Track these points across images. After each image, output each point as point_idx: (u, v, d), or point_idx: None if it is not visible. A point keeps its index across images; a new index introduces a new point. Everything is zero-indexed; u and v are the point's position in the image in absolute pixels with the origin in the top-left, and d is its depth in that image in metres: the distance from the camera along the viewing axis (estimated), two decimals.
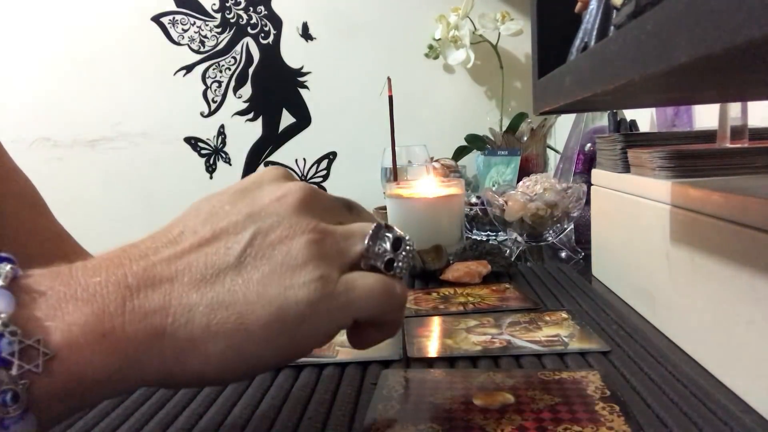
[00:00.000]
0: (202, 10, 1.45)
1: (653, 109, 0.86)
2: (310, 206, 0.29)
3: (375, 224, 0.31)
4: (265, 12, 1.45)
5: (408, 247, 0.31)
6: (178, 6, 1.44)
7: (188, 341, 0.24)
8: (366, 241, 0.30)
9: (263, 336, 0.25)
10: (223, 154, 1.50)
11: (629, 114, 0.81)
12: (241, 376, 0.28)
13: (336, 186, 1.53)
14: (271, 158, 1.51)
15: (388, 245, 0.30)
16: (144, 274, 0.24)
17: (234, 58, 1.47)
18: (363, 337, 0.32)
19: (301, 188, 0.29)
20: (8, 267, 0.23)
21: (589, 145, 0.85)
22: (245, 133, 1.50)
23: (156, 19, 1.44)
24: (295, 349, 0.27)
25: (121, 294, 0.23)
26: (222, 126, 1.49)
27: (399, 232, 0.31)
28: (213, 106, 1.49)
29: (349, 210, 0.33)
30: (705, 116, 0.76)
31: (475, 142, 1.28)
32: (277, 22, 1.46)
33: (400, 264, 0.31)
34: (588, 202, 0.67)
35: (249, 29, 1.46)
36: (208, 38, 1.46)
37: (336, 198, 0.33)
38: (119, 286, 0.24)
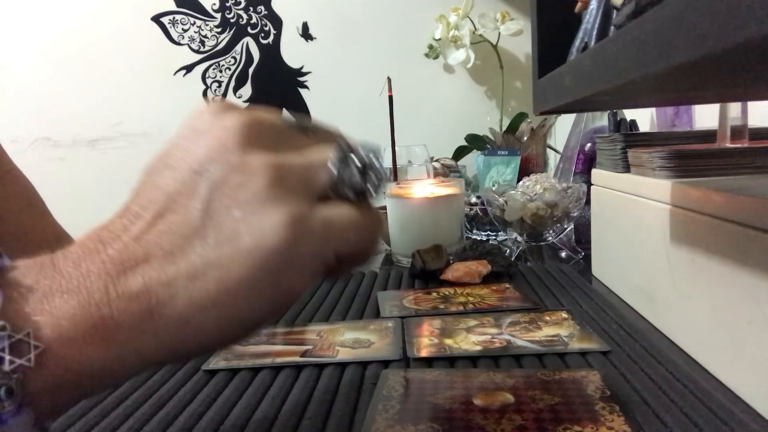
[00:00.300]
0: (202, 10, 1.45)
1: (653, 109, 0.86)
2: (259, 139, 0.26)
3: (336, 147, 0.28)
4: (265, 12, 1.45)
5: (377, 166, 0.28)
6: (178, 6, 1.44)
7: (178, 316, 0.24)
8: (332, 170, 0.27)
9: (249, 293, 0.24)
10: None
11: (629, 114, 0.81)
12: (243, 336, 0.27)
13: None
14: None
15: (356, 171, 0.27)
16: (119, 258, 0.24)
17: (234, 58, 1.47)
18: (339, 269, 0.29)
19: (242, 122, 0.26)
20: None
21: (589, 144, 0.85)
22: None
23: (156, 18, 1.44)
24: (285, 294, 0.26)
25: (103, 282, 0.23)
26: None
27: (362, 152, 0.28)
28: None
29: (304, 132, 0.30)
30: (705, 116, 0.76)
31: (475, 142, 1.28)
32: (277, 22, 1.46)
33: (371, 189, 0.28)
34: (588, 202, 0.67)
35: (249, 29, 1.46)
36: (208, 38, 1.46)
37: (286, 120, 0.29)
38: (100, 276, 0.23)
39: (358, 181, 0.28)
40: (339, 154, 0.27)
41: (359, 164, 0.28)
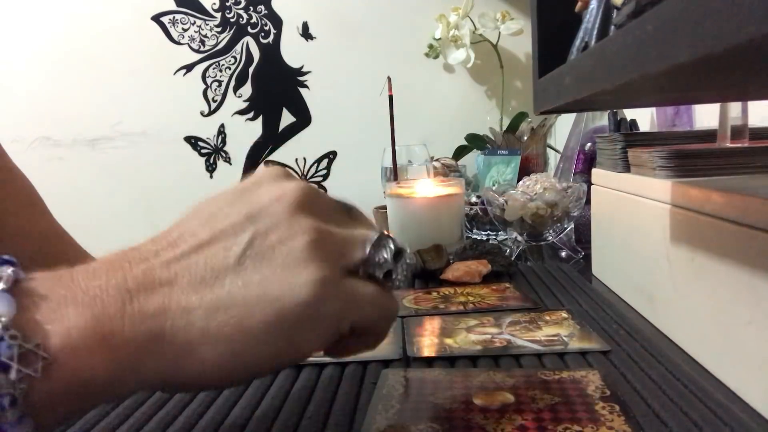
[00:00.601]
0: (202, 10, 1.45)
1: (653, 109, 0.86)
2: (310, 206, 0.28)
3: (376, 232, 0.30)
4: (265, 11, 1.45)
5: (408, 261, 0.31)
6: (178, 5, 1.44)
7: (187, 344, 0.24)
8: (367, 249, 0.29)
9: (262, 339, 0.25)
10: (223, 154, 1.50)
11: (629, 113, 0.81)
12: (239, 380, 0.28)
13: (336, 185, 1.53)
14: (271, 157, 1.51)
15: (388, 255, 0.30)
16: (143, 278, 0.24)
17: (234, 57, 1.47)
18: (344, 345, 0.30)
19: (300, 188, 0.28)
20: (10, 270, 0.23)
21: (589, 144, 0.85)
22: (245, 133, 1.50)
23: (156, 18, 1.44)
24: (293, 352, 0.27)
25: (120, 297, 0.23)
26: (222, 125, 1.49)
27: (399, 242, 0.31)
28: (213, 105, 1.49)
29: (349, 214, 0.32)
30: (705, 116, 0.76)
31: (475, 141, 1.28)
32: (277, 22, 1.46)
33: (399, 276, 0.30)
34: (588, 202, 0.67)
35: (249, 29, 1.46)
36: (208, 38, 1.46)
37: (336, 200, 0.32)
38: (119, 290, 0.24)
39: (389, 264, 0.30)
40: (377, 238, 0.30)
41: (393, 249, 0.30)
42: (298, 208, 0.28)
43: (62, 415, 0.23)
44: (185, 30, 1.45)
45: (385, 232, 0.31)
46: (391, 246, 0.30)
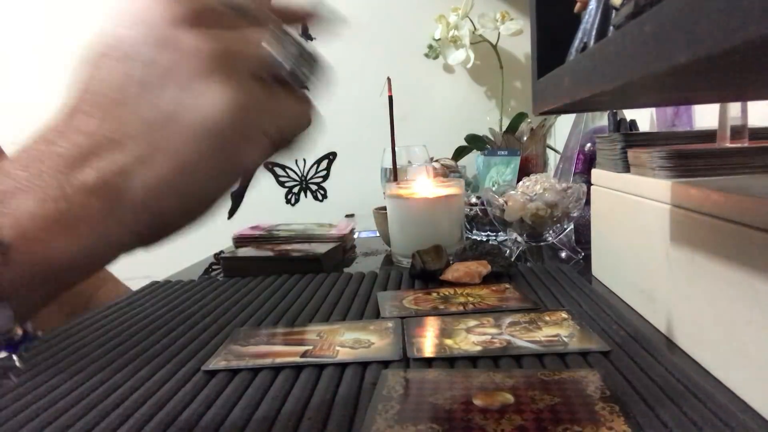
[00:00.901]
0: None
1: (653, 109, 0.86)
2: (189, 17, 0.26)
3: (272, 29, 0.28)
4: None
5: (311, 51, 0.29)
6: None
7: (138, 204, 0.24)
8: (266, 48, 0.27)
9: (200, 170, 0.25)
10: None
11: (629, 114, 0.81)
12: (204, 210, 0.27)
13: (336, 186, 1.53)
14: (270, 159, 1.51)
15: (291, 51, 0.28)
16: (69, 154, 0.24)
17: None
18: (282, 144, 0.30)
19: (170, 1, 0.26)
20: None
21: (589, 145, 0.85)
22: None
23: None
24: (235, 165, 0.26)
25: (56, 180, 0.24)
26: None
27: (297, 36, 0.29)
28: None
29: (239, 12, 0.28)
30: (705, 116, 0.76)
31: (474, 142, 1.28)
32: None
33: (306, 70, 0.29)
34: (588, 202, 0.67)
35: None
36: None
37: (222, 2, 0.28)
38: (51, 173, 0.24)
39: (291, 61, 0.28)
40: (274, 35, 0.27)
41: (294, 44, 0.28)
42: (176, 23, 0.26)
43: (38, 299, 0.24)
44: None
45: (281, 25, 0.29)
46: (292, 41, 0.28)
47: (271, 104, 0.27)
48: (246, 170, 0.28)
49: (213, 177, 0.26)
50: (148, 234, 0.26)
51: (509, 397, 0.34)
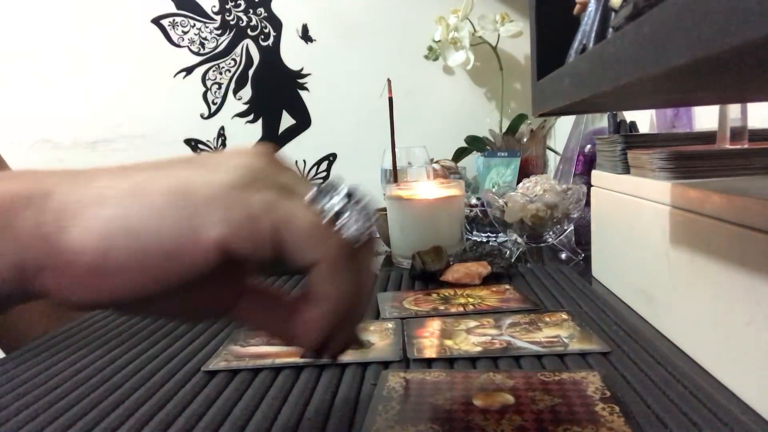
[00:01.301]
0: (202, 12, 1.45)
1: (653, 111, 0.86)
2: (266, 156, 0.25)
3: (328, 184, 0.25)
4: (265, 14, 1.46)
5: (362, 204, 0.25)
6: (178, 8, 1.44)
7: (73, 203, 0.22)
8: (313, 189, 0.24)
9: (159, 205, 0.21)
10: None
11: (629, 115, 0.81)
12: (127, 258, 0.21)
13: None
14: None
15: (340, 196, 0.24)
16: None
17: (234, 60, 1.47)
18: (302, 323, 0.25)
19: (259, 148, 0.25)
20: None
21: (589, 146, 0.85)
22: (245, 135, 1.50)
23: (156, 21, 1.44)
24: (190, 233, 0.21)
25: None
26: (222, 128, 1.49)
27: (354, 186, 0.25)
28: (213, 107, 1.49)
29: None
30: (705, 117, 0.77)
31: (474, 143, 1.28)
32: (277, 24, 1.46)
33: (351, 218, 0.24)
34: (588, 204, 0.67)
35: (249, 31, 1.46)
36: (208, 40, 1.46)
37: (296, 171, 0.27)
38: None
39: (338, 204, 0.24)
40: (324, 187, 0.25)
41: (345, 191, 0.25)
42: (251, 152, 0.24)
43: None
44: (185, 33, 1.45)
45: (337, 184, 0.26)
46: (344, 188, 0.25)
47: (284, 210, 0.23)
48: (201, 249, 0.22)
49: (163, 230, 0.21)
50: (58, 250, 0.21)
51: (509, 398, 0.34)
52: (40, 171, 0.23)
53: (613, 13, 0.27)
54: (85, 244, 0.21)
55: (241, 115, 1.49)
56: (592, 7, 0.30)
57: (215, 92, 1.48)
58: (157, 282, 0.22)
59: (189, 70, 1.46)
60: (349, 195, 0.25)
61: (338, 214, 0.24)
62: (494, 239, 0.88)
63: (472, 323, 0.49)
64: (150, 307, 0.25)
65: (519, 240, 0.78)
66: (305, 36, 1.47)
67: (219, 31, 1.46)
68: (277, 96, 1.49)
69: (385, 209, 0.81)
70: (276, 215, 0.22)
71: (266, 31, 1.46)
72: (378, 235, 0.87)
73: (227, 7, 1.45)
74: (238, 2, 1.45)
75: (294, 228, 0.22)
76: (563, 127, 1.16)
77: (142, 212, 0.21)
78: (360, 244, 0.24)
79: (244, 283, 0.26)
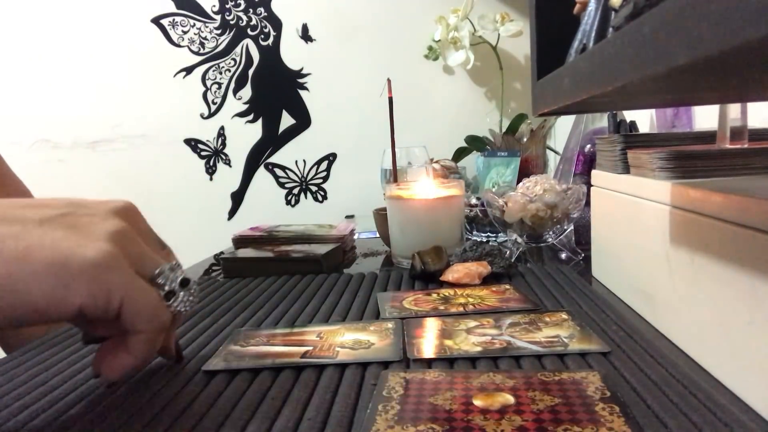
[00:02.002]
0: (202, 12, 1.45)
1: (653, 110, 0.86)
2: (130, 217, 0.33)
3: (176, 262, 0.36)
4: (265, 13, 1.46)
5: (192, 292, 0.36)
6: (178, 8, 1.44)
7: None
8: (161, 267, 0.34)
9: (40, 271, 0.28)
10: (223, 156, 1.50)
11: (629, 115, 0.81)
12: (4, 307, 0.29)
13: (336, 187, 1.53)
14: (270, 160, 1.51)
15: (177, 280, 0.35)
16: None
17: (234, 59, 1.47)
18: (115, 359, 0.34)
19: (128, 204, 0.34)
20: None
21: (589, 146, 0.85)
22: (245, 135, 1.50)
23: (156, 20, 1.44)
24: (60, 298, 0.29)
25: None
26: (222, 127, 1.49)
27: (193, 278, 0.36)
28: (213, 107, 1.49)
29: (162, 247, 0.37)
30: (705, 117, 0.77)
31: (474, 143, 1.28)
32: (277, 24, 1.46)
33: (181, 300, 0.35)
34: (588, 203, 0.68)
35: (249, 31, 1.46)
36: (207, 40, 1.46)
37: (155, 233, 0.37)
38: None
39: (176, 284, 0.35)
40: (174, 265, 0.36)
41: (182, 277, 0.36)
42: (119, 212, 0.33)
43: None
44: (185, 32, 1.45)
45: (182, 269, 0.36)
46: (181, 275, 0.35)
47: (134, 288, 0.31)
48: (68, 313, 0.29)
49: (40, 291, 0.28)
50: None
51: (509, 398, 0.34)
52: None
53: (613, 13, 0.27)
54: None
55: (241, 114, 1.49)
56: (592, 6, 0.30)
57: (215, 92, 1.48)
58: (24, 323, 0.29)
59: (189, 70, 1.46)
60: (183, 281, 0.35)
61: (171, 294, 0.35)
62: (494, 239, 0.88)
63: (472, 323, 0.49)
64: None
65: (519, 240, 0.78)
66: (305, 36, 1.47)
67: (219, 31, 1.46)
68: (277, 96, 1.49)
69: (385, 209, 0.81)
70: (125, 294, 0.30)
71: (266, 30, 1.46)
72: (355, 247, 0.93)
73: (227, 6, 1.45)
74: (238, 2, 1.45)
75: (135, 304, 0.31)
76: (563, 127, 1.16)
77: (23, 274, 0.28)
78: (175, 321, 0.37)
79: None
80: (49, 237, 0.29)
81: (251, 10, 1.45)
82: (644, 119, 0.88)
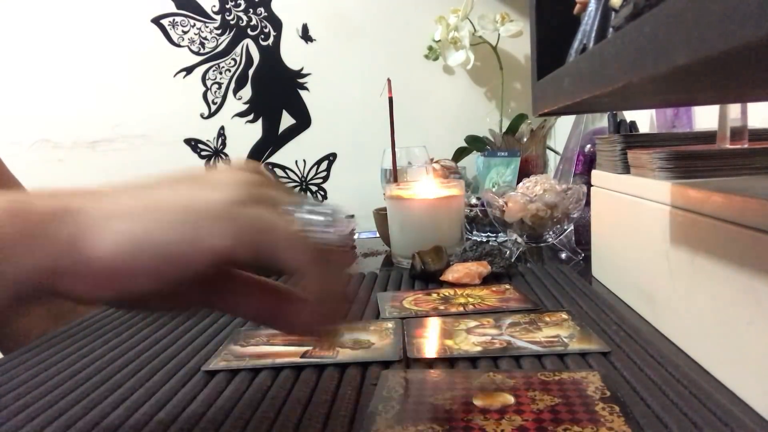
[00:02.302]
0: (202, 12, 1.45)
1: (653, 110, 0.86)
2: (254, 168, 0.30)
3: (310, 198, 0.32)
4: (265, 14, 1.46)
5: (332, 222, 0.30)
6: (178, 8, 1.44)
7: (100, 219, 0.25)
8: (292, 200, 0.30)
9: (170, 219, 0.26)
10: (223, 156, 1.50)
11: (629, 115, 0.81)
12: (143, 263, 0.26)
13: (336, 187, 1.53)
14: (270, 160, 1.51)
15: (315, 212, 0.30)
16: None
17: (234, 59, 1.47)
18: (296, 316, 0.30)
19: (248, 160, 0.31)
20: None
21: (589, 146, 0.85)
22: (245, 135, 1.50)
23: (156, 20, 1.44)
24: (197, 242, 0.26)
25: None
26: (222, 127, 1.49)
27: (333, 209, 0.31)
28: (213, 107, 1.49)
29: (292, 194, 0.32)
30: (705, 117, 0.77)
31: (474, 143, 1.28)
32: (277, 24, 1.46)
33: (322, 229, 0.30)
34: (588, 203, 0.68)
35: (249, 31, 1.46)
36: (208, 40, 1.46)
37: (282, 182, 0.32)
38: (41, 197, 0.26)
39: (323, 221, 0.30)
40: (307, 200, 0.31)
41: (329, 211, 0.30)
42: (243, 167, 0.30)
43: None
44: (185, 32, 1.45)
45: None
46: (316, 205, 0.30)
47: (271, 222, 0.28)
48: (207, 255, 0.26)
49: (175, 239, 0.26)
50: (77, 260, 0.25)
51: (509, 398, 0.34)
52: (72, 190, 0.27)
53: (613, 13, 0.27)
54: (110, 253, 0.25)
55: (241, 114, 1.49)
56: (592, 6, 0.30)
57: (215, 92, 1.48)
58: (162, 282, 0.26)
59: (189, 70, 1.46)
60: (323, 210, 0.30)
61: (311, 223, 0.30)
62: (494, 239, 0.88)
63: (472, 323, 0.49)
64: (149, 303, 0.30)
65: (519, 240, 0.78)
66: (305, 36, 1.47)
67: (219, 31, 1.46)
68: (277, 96, 1.49)
69: (385, 209, 0.81)
70: (264, 225, 0.27)
71: (266, 30, 1.46)
72: (356, 246, 0.90)
73: (227, 6, 1.45)
74: (238, 2, 1.45)
75: (277, 236, 0.28)
76: (563, 127, 1.16)
77: (156, 226, 0.26)
78: (332, 250, 0.30)
79: (236, 278, 0.31)
80: (175, 190, 0.28)
81: (251, 10, 1.45)
82: (644, 119, 0.88)
